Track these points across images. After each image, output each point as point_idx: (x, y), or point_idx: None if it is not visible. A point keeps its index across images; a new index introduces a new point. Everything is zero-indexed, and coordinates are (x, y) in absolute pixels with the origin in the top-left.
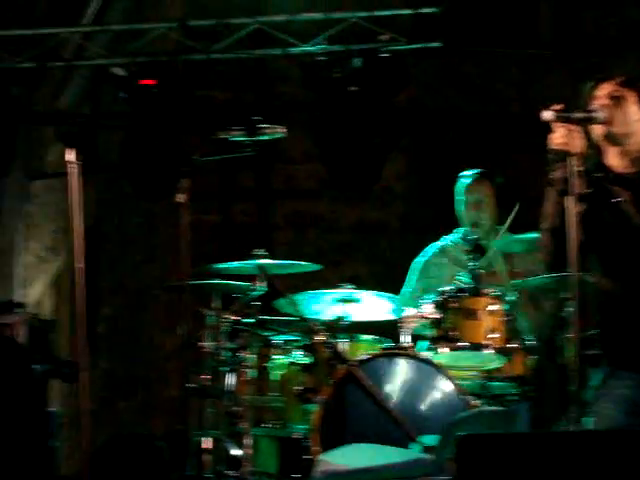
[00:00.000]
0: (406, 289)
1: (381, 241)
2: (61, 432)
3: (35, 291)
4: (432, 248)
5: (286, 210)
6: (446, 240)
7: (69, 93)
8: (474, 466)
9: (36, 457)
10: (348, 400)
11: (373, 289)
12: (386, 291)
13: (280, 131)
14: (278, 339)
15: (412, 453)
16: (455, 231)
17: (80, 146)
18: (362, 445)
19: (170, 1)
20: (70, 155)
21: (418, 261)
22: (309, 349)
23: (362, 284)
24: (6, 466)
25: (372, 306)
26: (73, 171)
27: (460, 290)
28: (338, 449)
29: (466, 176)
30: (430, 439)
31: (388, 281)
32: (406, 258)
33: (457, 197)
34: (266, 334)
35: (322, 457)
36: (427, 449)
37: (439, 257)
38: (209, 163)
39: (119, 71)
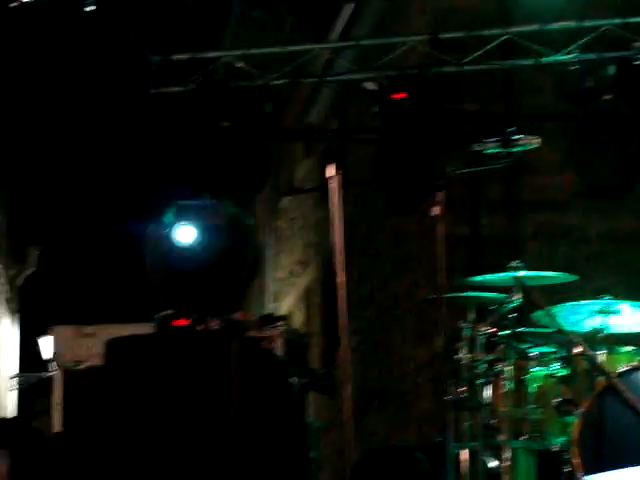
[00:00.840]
0: None
1: (633, 250)
2: (318, 443)
3: (286, 304)
4: None
5: (536, 221)
6: None
7: (317, 109)
8: None
9: (296, 468)
10: (608, 412)
11: (625, 300)
12: (637, 301)
13: (535, 142)
14: (535, 351)
15: None
16: None
17: (339, 161)
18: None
19: (417, 14)
20: (330, 170)
21: None
22: (567, 361)
23: (613, 295)
24: (268, 477)
25: (631, 317)
26: (333, 186)
27: None
28: (604, 473)
29: None
30: None
31: None
32: None
33: None
34: (523, 346)
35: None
36: None
37: None
38: (458, 175)
39: (370, 85)
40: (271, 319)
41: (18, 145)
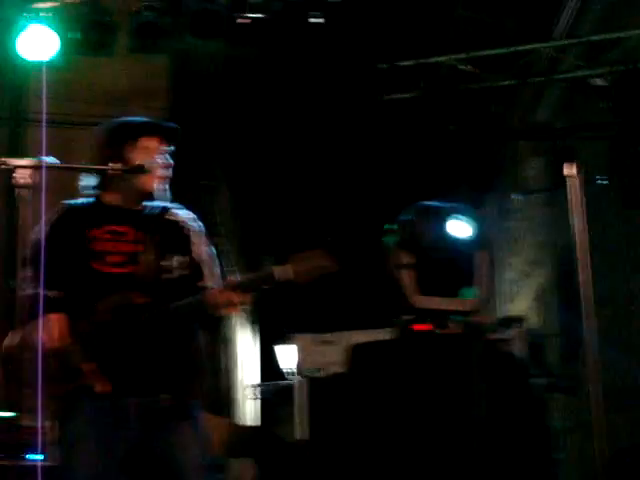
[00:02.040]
0: None
1: None
2: (563, 444)
3: (519, 306)
4: None
5: None
6: None
7: (544, 107)
8: None
9: (541, 469)
10: None
11: None
12: None
13: None
14: None
15: None
16: None
17: (574, 159)
18: None
19: None
20: (569, 169)
21: None
22: None
23: None
24: (513, 478)
25: None
26: (573, 185)
27: None
28: None
29: None
30: None
31: None
32: None
33: None
34: None
35: None
36: None
37: None
38: None
39: (599, 81)
40: (510, 320)
41: (250, 155)
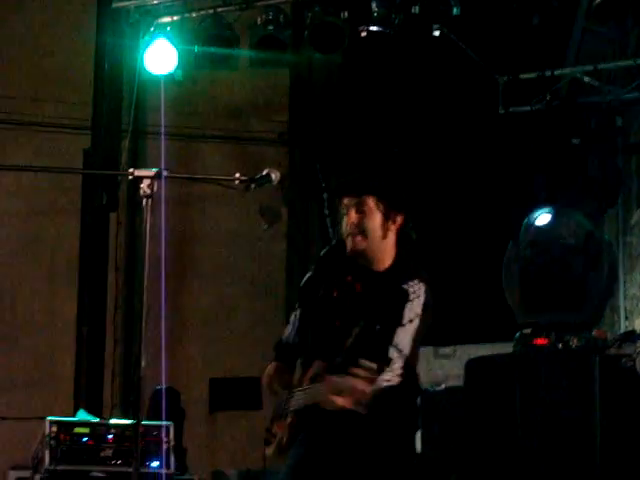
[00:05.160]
0: None
1: None
2: None
3: (639, 322)
4: None
5: None
6: None
7: None
8: None
9: None
10: None
11: None
12: None
13: None
14: None
15: None
16: None
17: None
18: None
19: None
20: None
21: None
22: None
23: None
24: None
25: None
26: None
27: None
28: None
29: None
30: None
31: None
32: None
33: None
34: None
35: None
36: None
37: None
38: None
39: None
40: (632, 336)
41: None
